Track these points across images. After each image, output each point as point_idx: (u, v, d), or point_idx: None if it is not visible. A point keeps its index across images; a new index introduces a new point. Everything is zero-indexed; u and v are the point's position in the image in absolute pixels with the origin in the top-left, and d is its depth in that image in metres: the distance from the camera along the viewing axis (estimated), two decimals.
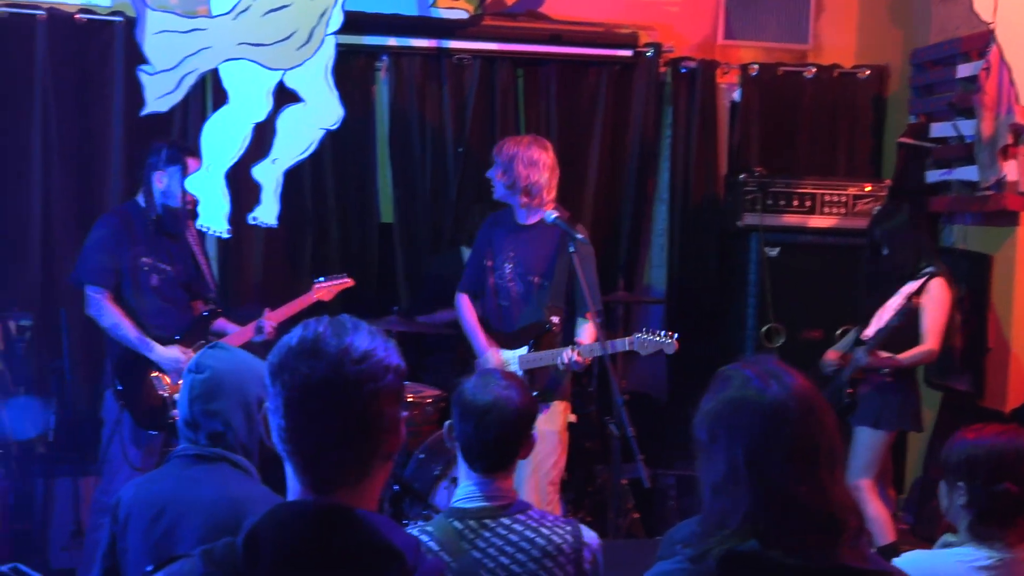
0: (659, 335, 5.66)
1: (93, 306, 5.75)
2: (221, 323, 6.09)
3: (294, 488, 2.10)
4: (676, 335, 5.67)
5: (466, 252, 6.88)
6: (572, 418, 5.96)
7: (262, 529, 2.02)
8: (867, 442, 5.98)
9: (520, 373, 5.69)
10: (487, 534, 3.27)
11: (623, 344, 5.65)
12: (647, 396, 7.45)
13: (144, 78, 5.85)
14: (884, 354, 5.87)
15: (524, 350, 5.81)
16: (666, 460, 6.94)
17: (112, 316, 5.71)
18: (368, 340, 2.06)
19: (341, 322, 2.08)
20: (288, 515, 2.05)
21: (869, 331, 6.03)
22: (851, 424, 6.01)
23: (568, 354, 5.62)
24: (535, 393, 4.70)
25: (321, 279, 6.21)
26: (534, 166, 5.74)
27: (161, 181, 5.82)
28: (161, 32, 5.70)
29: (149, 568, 2.22)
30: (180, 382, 5.43)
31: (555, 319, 5.80)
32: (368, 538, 2.02)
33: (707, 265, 7.66)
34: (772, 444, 2.23)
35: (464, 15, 7.12)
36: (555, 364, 5.69)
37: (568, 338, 5.83)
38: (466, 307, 6.01)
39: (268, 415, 2.09)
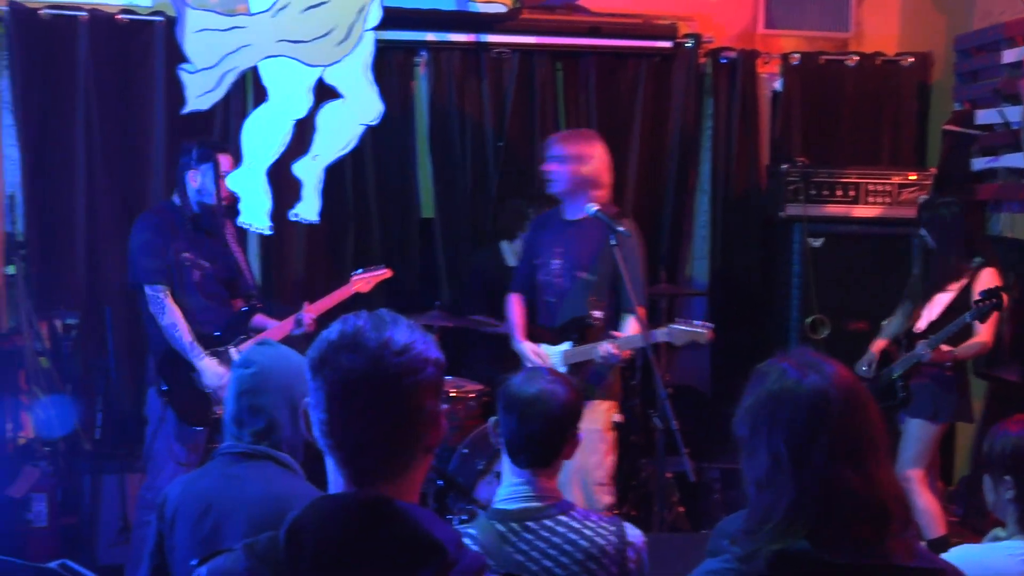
0: (693, 324, 5.63)
1: (154, 304, 5.75)
2: (260, 319, 6.11)
3: (335, 482, 2.10)
4: (711, 324, 5.64)
5: (506, 247, 6.90)
6: (618, 418, 5.91)
7: (304, 522, 2.03)
8: (919, 433, 5.95)
9: (564, 369, 5.68)
10: (529, 536, 3.24)
11: (659, 335, 5.62)
12: (691, 389, 7.42)
13: (185, 76, 5.91)
14: (946, 348, 5.83)
15: (567, 345, 5.79)
16: (710, 453, 6.89)
17: (172, 315, 5.72)
18: (407, 333, 2.06)
19: (380, 316, 2.09)
20: (330, 508, 2.05)
21: (921, 324, 5.99)
22: (902, 417, 5.98)
23: (606, 347, 5.59)
24: None
25: (359, 271, 6.24)
26: (600, 159, 5.80)
27: (195, 180, 5.84)
28: (201, 30, 5.75)
29: (194, 563, 2.24)
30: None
31: (597, 313, 5.79)
32: (410, 531, 2.01)
33: (750, 256, 7.64)
34: (814, 434, 2.20)
35: (502, 9, 7.12)
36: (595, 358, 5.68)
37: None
38: (512, 304, 6.00)
39: (309, 409, 2.10)
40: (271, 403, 3.25)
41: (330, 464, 2.11)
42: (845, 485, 2.18)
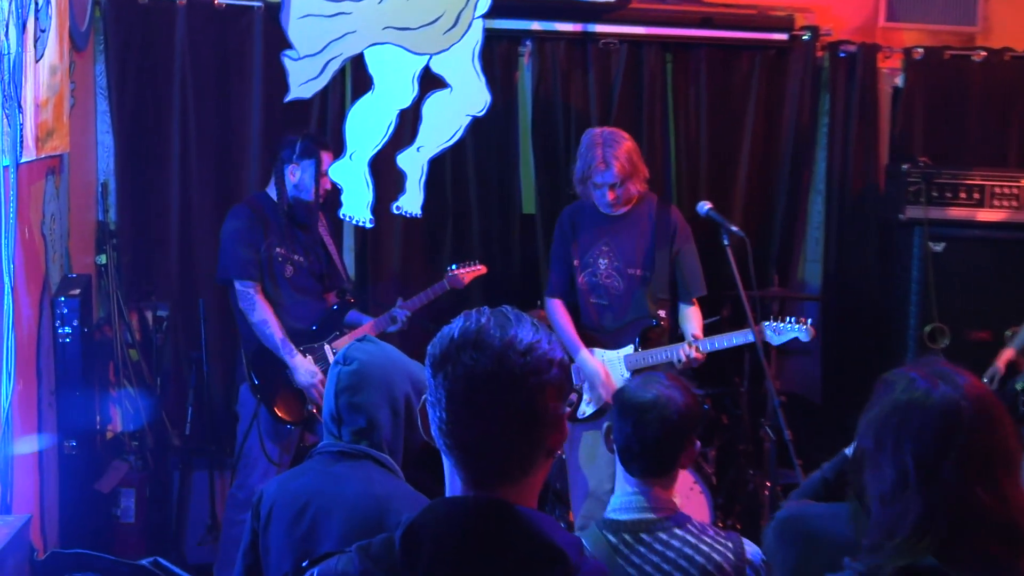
0: (790, 322, 5.55)
1: (244, 300, 5.84)
2: (354, 315, 6.18)
3: (453, 484, 2.11)
4: (810, 321, 5.57)
5: None
6: None
7: (421, 525, 2.04)
8: None
9: (628, 375, 5.64)
10: (643, 549, 3.23)
11: (747, 335, 5.50)
12: (800, 397, 7.36)
13: (288, 63, 5.96)
14: None
15: (630, 349, 5.73)
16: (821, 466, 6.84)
17: (263, 312, 5.80)
18: (532, 332, 2.08)
19: (504, 313, 2.11)
20: (448, 511, 2.07)
21: None
22: None
23: (685, 350, 5.52)
24: None
25: (454, 267, 6.29)
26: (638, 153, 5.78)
27: (294, 175, 5.91)
28: (306, 16, 5.80)
29: (305, 564, 2.25)
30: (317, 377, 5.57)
31: (662, 313, 5.76)
32: (530, 536, 2.02)
33: (866, 260, 7.54)
34: (944, 448, 2.18)
35: None
36: (669, 362, 5.58)
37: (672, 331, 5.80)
38: (558, 310, 5.90)
39: (427, 407, 2.11)
40: (371, 401, 3.26)
41: (448, 465, 2.12)
42: (976, 503, 2.15)
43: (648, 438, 3.33)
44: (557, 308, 5.90)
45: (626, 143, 5.67)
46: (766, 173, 7.48)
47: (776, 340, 5.59)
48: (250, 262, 5.83)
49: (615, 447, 3.43)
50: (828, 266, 7.59)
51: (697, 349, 5.51)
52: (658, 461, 3.36)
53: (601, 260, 5.78)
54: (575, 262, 5.84)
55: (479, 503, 2.05)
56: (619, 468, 3.43)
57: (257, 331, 5.81)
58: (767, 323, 5.57)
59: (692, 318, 5.76)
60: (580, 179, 5.72)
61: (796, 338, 5.56)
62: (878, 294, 7.50)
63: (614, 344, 5.78)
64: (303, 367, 5.81)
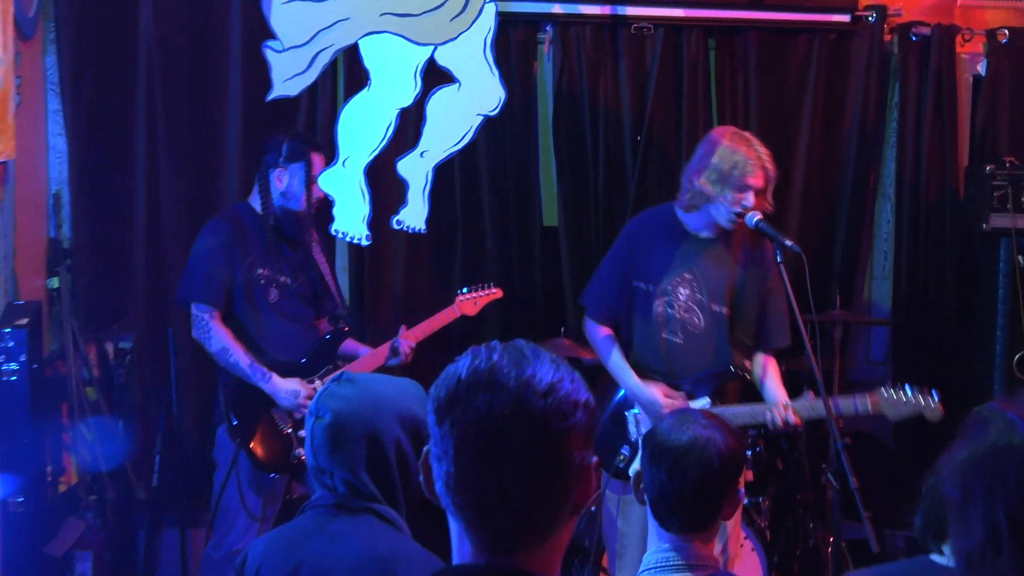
0: (910, 393, 5.39)
1: (199, 328, 5.84)
2: (351, 344, 6.17)
3: (462, 549, 2.08)
4: (937, 394, 5.38)
5: None
6: (747, 475, 5.84)
7: None
8: None
9: None
10: None
11: (858, 405, 5.42)
12: (870, 438, 7.36)
13: (271, 56, 5.95)
14: None
15: (704, 402, 5.63)
16: (896, 518, 6.84)
17: (220, 339, 5.80)
18: (552, 371, 2.03)
19: (519, 348, 2.06)
20: None
21: None
22: None
23: (781, 413, 5.40)
24: None
25: (464, 290, 6.29)
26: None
27: (281, 180, 5.91)
28: (291, 1, 5.81)
29: None
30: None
31: (748, 364, 5.72)
32: None
33: (944, 277, 7.55)
34: None
35: None
36: (757, 424, 5.55)
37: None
38: (609, 340, 5.80)
39: (431, 460, 2.09)
40: (353, 456, 3.22)
41: (456, 527, 2.09)
42: None
43: (686, 487, 3.33)
44: (608, 338, 5.81)
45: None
46: (826, 177, 7.50)
47: (892, 414, 5.45)
48: (215, 285, 5.83)
49: (646, 497, 3.44)
50: (899, 285, 7.59)
51: (797, 413, 5.40)
52: (698, 512, 3.36)
53: (681, 289, 5.66)
54: (641, 284, 5.73)
55: (494, 572, 2.04)
56: (651, 521, 3.42)
57: (220, 362, 5.81)
58: (883, 391, 5.44)
59: (771, 370, 5.68)
60: (716, 179, 5.47)
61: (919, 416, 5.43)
62: (958, 317, 7.50)
63: (685, 394, 5.67)
64: (283, 388, 5.81)
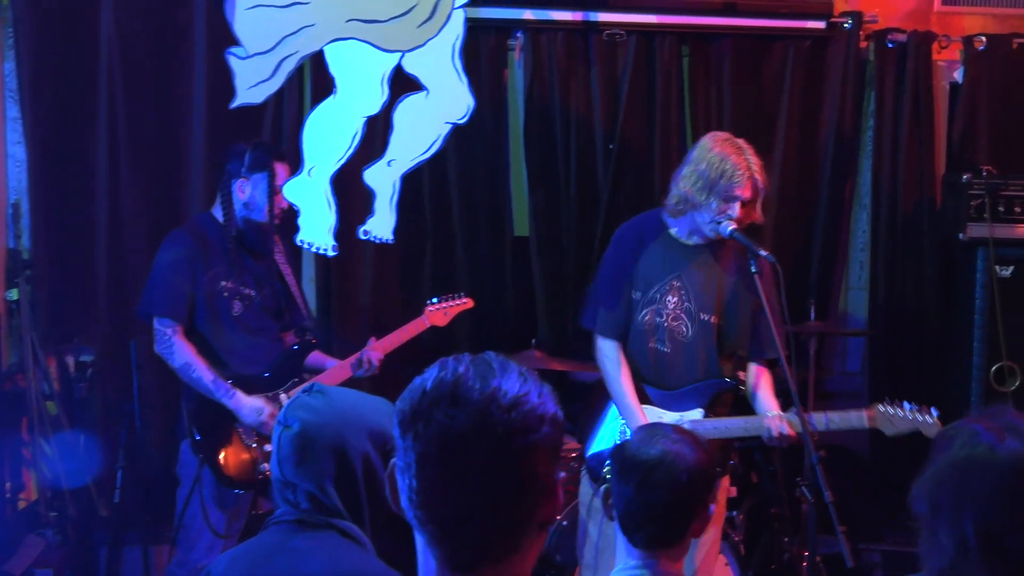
0: (908, 409, 5.35)
1: (162, 343, 5.80)
2: (317, 357, 6.14)
3: (427, 564, 2.09)
4: (936, 411, 5.33)
5: None
6: (731, 491, 5.82)
7: None
8: None
9: None
10: None
11: (853, 420, 5.37)
12: (846, 452, 7.35)
13: (234, 63, 5.94)
14: None
15: (696, 414, 5.56)
16: (872, 532, 6.84)
17: (183, 354, 5.75)
18: (519, 383, 2.04)
19: (486, 361, 2.06)
20: None
21: None
22: None
23: (777, 425, 5.33)
24: None
25: (434, 300, 6.26)
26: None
27: (243, 191, 5.87)
28: (255, 7, 5.80)
29: None
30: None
31: (743, 375, 5.65)
32: None
33: (921, 287, 7.54)
34: (1011, 513, 2.17)
35: None
36: (751, 437, 5.51)
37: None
38: (616, 356, 5.66)
39: (396, 474, 2.09)
40: (319, 469, 3.21)
41: (420, 542, 2.09)
42: None
43: (655, 503, 3.35)
44: (616, 354, 5.66)
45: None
46: (802, 186, 7.50)
47: (890, 430, 5.38)
48: (177, 299, 5.80)
49: (614, 513, 3.42)
50: (875, 295, 7.59)
51: (792, 425, 5.31)
52: (666, 528, 3.38)
53: (670, 297, 5.59)
54: (636, 294, 5.64)
55: None
56: (620, 537, 3.42)
57: (183, 377, 5.78)
58: (882, 407, 5.39)
59: (763, 381, 5.62)
60: (703, 186, 5.40)
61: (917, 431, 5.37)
62: (935, 328, 7.50)
63: (673, 405, 5.60)
64: (246, 405, 5.78)
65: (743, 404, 5.68)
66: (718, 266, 5.60)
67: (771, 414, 5.39)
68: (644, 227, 5.72)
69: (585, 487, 5.65)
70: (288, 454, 3.22)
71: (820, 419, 5.33)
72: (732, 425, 5.47)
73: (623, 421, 5.58)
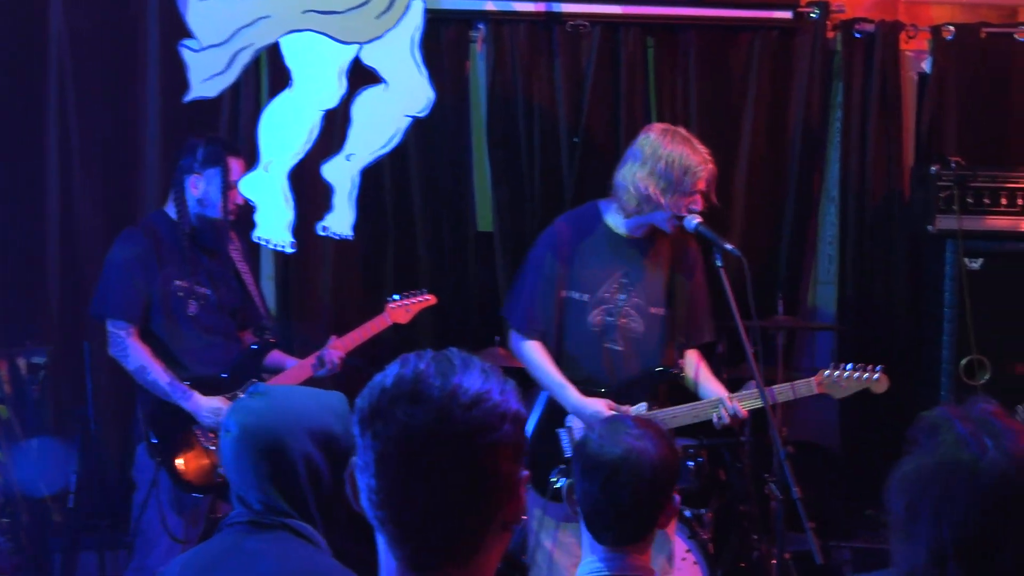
0: (850, 369, 5.51)
1: (116, 345, 5.76)
2: (277, 357, 6.11)
3: (388, 565, 2.08)
4: (880, 366, 5.52)
5: None
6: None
7: None
8: None
9: None
10: None
11: (802, 388, 5.50)
12: (816, 447, 7.38)
13: (188, 56, 5.90)
14: None
15: (642, 408, 5.60)
16: (841, 529, 6.85)
17: (138, 357, 5.72)
18: (481, 380, 2.03)
19: (447, 357, 2.05)
20: None
21: None
22: None
23: (728, 407, 5.41)
24: None
25: (396, 297, 6.23)
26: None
27: (196, 187, 5.84)
28: None
29: None
30: None
31: (682, 362, 5.71)
32: None
33: (890, 281, 7.54)
34: (999, 530, 2.13)
35: None
36: (699, 423, 5.54)
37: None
38: (539, 352, 5.67)
39: (355, 473, 2.08)
40: (259, 473, 3.20)
41: (381, 542, 2.09)
42: None
43: (622, 502, 3.35)
44: (538, 350, 5.68)
45: None
46: (769, 179, 7.49)
47: (839, 393, 5.57)
48: (131, 300, 5.76)
49: (579, 510, 3.43)
50: (844, 289, 7.59)
51: (743, 406, 5.41)
52: (633, 525, 3.40)
53: (619, 295, 5.64)
54: (581, 296, 5.65)
55: None
56: (585, 533, 3.42)
57: (138, 380, 5.75)
58: (827, 371, 5.53)
59: (703, 367, 5.69)
60: (666, 186, 5.42)
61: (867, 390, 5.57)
62: (904, 322, 7.50)
63: (620, 400, 5.59)
64: (204, 406, 5.75)
65: (680, 391, 5.77)
66: (660, 257, 5.68)
67: (720, 397, 5.48)
68: (580, 225, 5.75)
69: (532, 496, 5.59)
70: (229, 458, 3.23)
71: (770, 393, 5.43)
72: (679, 413, 5.55)
73: (568, 426, 5.57)
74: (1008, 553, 2.12)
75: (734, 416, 5.40)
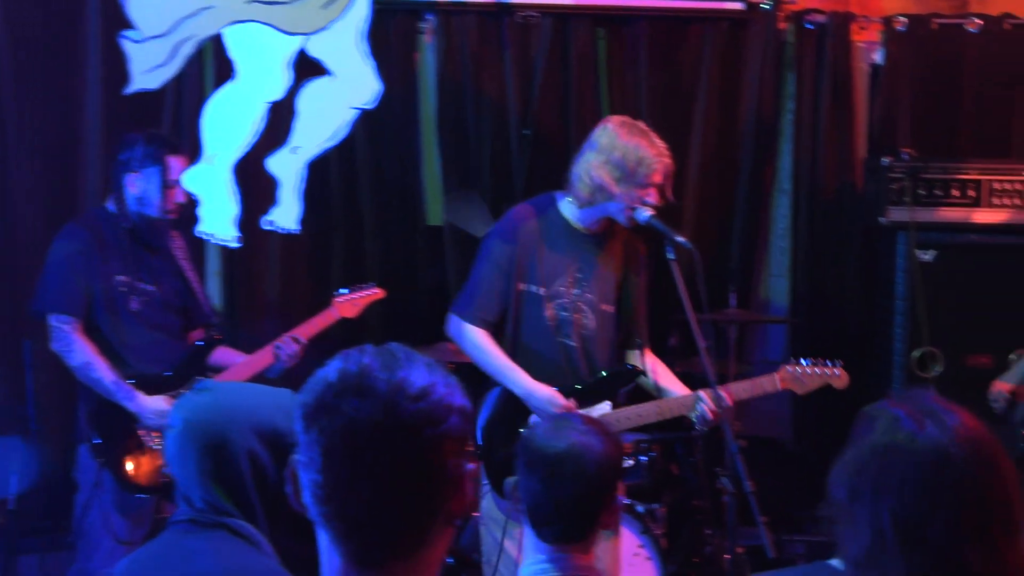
0: (812, 365, 5.54)
1: (59, 340, 5.67)
2: (224, 353, 6.03)
3: (331, 562, 2.06)
4: (839, 362, 5.56)
5: None
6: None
7: None
8: None
9: None
10: None
11: (766, 385, 5.53)
12: (768, 441, 7.39)
13: (129, 47, 5.89)
14: None
15: (606, 407, 5.56)
16: (794, 522, 6.88)
17: (83, 353, 5.64)
18: (426, 374, 2.03)
19: (391, 352, 2.05)
20: None
21: None
22: None
23: (709, 405, 5.35)
24: None
25: (344, 291, 6.18)
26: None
27: (135, 185, 5.75)
28: None
29: None
30: None
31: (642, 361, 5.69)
32: None
33: (843, 273, 7.58)
34: (929, 502, 2.13)
35: None
36: (666, 420, 5.54)
37: None
38: (484, 338, 5.57)
39: (298, 469, 2.06)
40: (201, 470, 3.14)
41: (324, 539, 2.07)
42: (969, 569, 2.11)
43: (563, 498, 3.35)
44: (481, 336, 5.57)
45: None
46: (721, 171, 7.51)
47: (801, 389, 5.59)
48: (74, 295, 5.68)
49: (522, 507, 3.42)
50: (797, 282, 7.62)
51: (718, 400, 5.34)
52: (575, 523, 3.38)
53: (574, 290, 5.57)
54: (536, 289, 5.57)
55: None
56: (528, 532, 3.40)
57: (80, 377, 5.66)
58: (790, 367, 5.55)
59: (661, 367, 5.69)
60: (621, 177, 5.37)
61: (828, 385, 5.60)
62: (857, 314, 7.54)
63: (584, 401, 5.53)
64: (148, 407, 5.66)
65: (638, 391, 5.74)
66: (613, 254, 5.63)
67: (697, 394, 5.43)
68: (536, 217, 5.66)
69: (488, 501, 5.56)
70: (172, 455, 3.17)
71: (735, 389, 5.47)
72: (644, 412, 5.51)
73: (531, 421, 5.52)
74: (938, 523, 2.11)
75: (718, 402, 5.29)
